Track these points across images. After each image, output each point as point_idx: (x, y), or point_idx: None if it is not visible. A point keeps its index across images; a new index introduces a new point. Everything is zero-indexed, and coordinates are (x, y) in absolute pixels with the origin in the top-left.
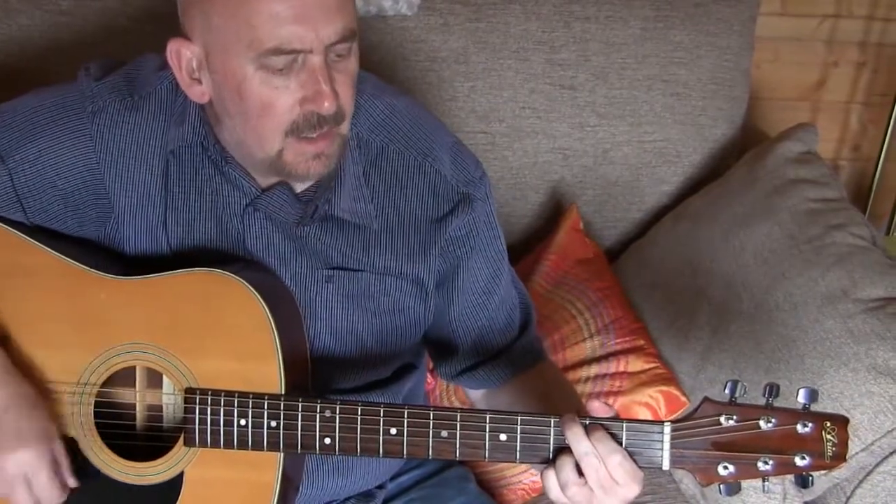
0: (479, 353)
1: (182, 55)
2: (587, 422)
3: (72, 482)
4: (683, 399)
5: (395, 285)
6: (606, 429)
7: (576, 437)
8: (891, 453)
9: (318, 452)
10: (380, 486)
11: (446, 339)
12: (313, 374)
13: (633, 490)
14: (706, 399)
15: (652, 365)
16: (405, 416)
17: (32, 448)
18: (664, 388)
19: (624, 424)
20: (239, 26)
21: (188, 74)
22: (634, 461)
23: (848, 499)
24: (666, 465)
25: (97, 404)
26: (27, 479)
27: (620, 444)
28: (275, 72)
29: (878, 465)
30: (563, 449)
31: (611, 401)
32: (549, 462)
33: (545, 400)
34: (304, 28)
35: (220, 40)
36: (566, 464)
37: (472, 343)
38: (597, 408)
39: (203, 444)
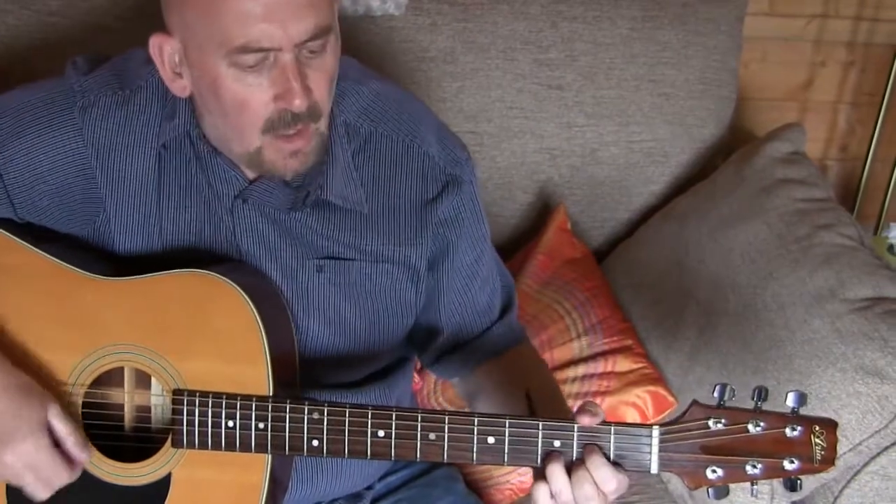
0: (460, 336)
1: (164, 50)
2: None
3: (81, 455)
4: (671, 399)
5: (387, 271)
6: (600, 448)
7: (580, 480)
8: (878, 453)
9: (305, 454)
10: (368, 487)
11: (430, 323)
12: (306, 370)
13: (620, 492)
14: (695, 402)
15: (639, 365)
16: (393, 418)
17: (29, 439)
18: (652, 388)
19: (612, 428)
20: (210, 23)
21: (171, 69)
22: (622, 466)
23: (836, 499)
24: (654, 469)
25: (85, 405)
26: (31, 467)
27: (608, 452)
28: (246, 69)
29: (865, 465)
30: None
31: (598, 401)
32: (538, 468)
33: (519, 383)
34: (272, 26)
35: (195, 36)
36: (559, 475)
37: (454, 326)
38: (586, 422)
39: (191, 445)
